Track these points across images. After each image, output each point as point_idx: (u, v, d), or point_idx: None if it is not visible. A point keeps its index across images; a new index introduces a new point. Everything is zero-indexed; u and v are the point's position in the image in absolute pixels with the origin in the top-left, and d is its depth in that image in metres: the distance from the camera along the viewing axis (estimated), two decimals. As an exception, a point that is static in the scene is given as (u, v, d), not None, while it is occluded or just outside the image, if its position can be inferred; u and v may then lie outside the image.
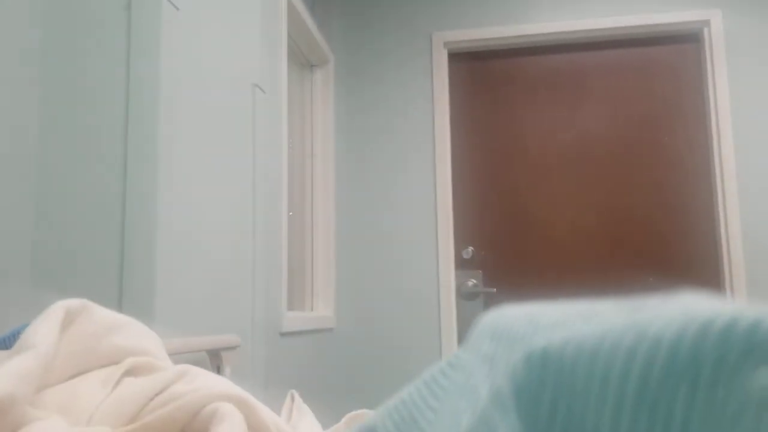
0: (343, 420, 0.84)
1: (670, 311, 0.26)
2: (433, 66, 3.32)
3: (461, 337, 3.16)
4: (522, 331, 0.30)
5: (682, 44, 3.24)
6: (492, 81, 3.35)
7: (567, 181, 3.21)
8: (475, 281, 3.21)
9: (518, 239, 3.21)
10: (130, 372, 0.66)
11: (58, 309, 0.64)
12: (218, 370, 1.56)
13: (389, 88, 3.35)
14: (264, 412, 0.63)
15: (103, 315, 0.68)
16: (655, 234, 3.12)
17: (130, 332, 0.70)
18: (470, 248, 3.23)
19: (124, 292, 1.36)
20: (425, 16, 3.37)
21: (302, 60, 3.11)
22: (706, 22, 3.15)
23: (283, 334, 2.30)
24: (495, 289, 3.17)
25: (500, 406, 0.28)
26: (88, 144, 1.43)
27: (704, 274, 3.06)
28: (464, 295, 3.21)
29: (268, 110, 2.20)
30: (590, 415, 0.26)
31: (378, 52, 3.39)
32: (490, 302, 3.21)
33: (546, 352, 0.28)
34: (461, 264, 3.24)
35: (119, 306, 1.35)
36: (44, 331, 0.61)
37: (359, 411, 0.86)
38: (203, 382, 0.64)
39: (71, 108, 1.45)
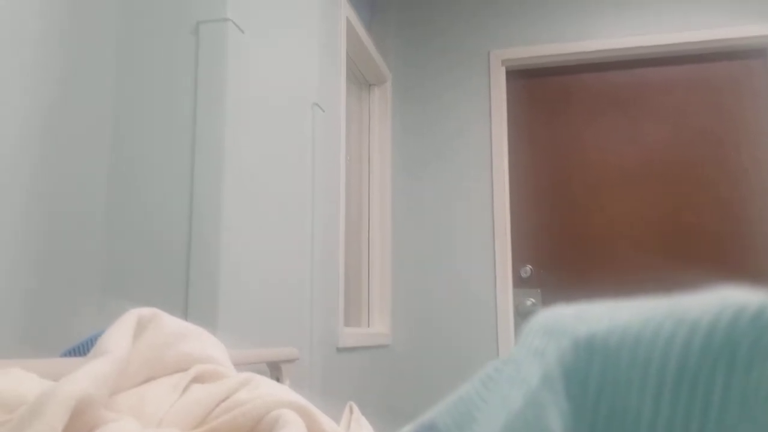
0: (401, 432, 0.85)
1: (706, 300, 0.28)
2: (491, 83, 3.32)
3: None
4: (571, 324, 0.32)
5: (748, 59, 3.15)
6: (551, 98, 3.33)
7: (628, 198, 3.15)
8: (533, 300, 3.18)
9: (578, 258, 3.16)
10: (197, 379, 0.69)
11: (131, 317, 0.68)
12: (278, 381, 1.58)
13: (447, 106, 3.36)
14: (324, 420, 0.65)
15: (172, 324, 0.71)
16: (720, 253, 3.03)
17: (197, 341, 0.73)
18: (528, 267, 3.20)
19: (189, 305, 1.41)
20: (483, 34, 3.38)
21: (360, 79, 3.15)
22: (774, 37, 3.07)
23: (339, 350, 2.33)
24: (553, 308, 3.12)
25: (550, 389, 0.30)
26: (158, 161, 1.49)
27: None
28: (523, 314, 3.18)
29: (327, 129, 2.25)
30: (634, 397, 0.28)
31: (435, 71, 3.41)
32: (548, 321, 3.16)
33: (592, 339, 0.30)
34: (519, 282, 3.21)
35: (185, 318, 1.40)
36: (118, 337, 0.64)
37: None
38: (266, 389, 0.66)
39: (142, 127, 1.51)
